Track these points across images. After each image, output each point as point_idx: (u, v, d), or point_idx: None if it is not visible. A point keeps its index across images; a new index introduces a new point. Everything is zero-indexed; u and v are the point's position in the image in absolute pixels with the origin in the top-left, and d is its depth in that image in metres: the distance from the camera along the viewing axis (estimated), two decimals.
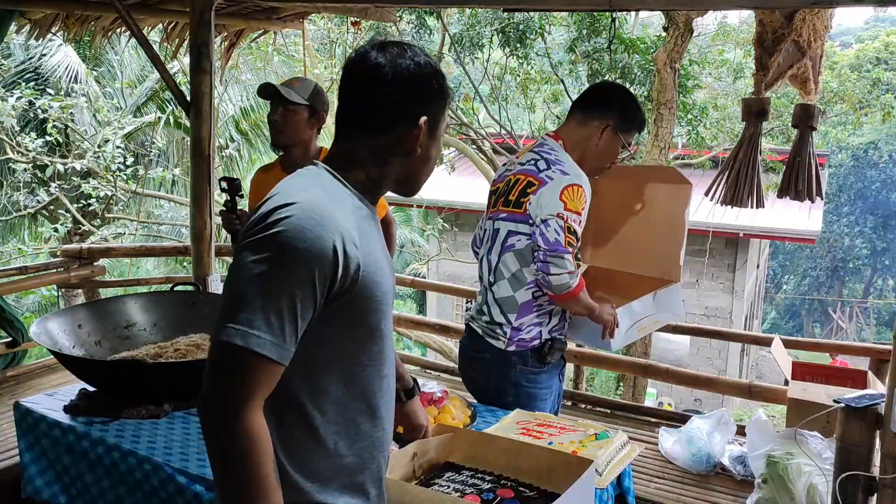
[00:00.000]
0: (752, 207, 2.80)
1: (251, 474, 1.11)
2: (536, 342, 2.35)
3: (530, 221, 2.25)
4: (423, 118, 1.29)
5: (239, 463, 1.11)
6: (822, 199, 2.78)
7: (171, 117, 9.32)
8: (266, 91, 2.67)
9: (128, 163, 8.44)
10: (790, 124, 2.97)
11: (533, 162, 2.34)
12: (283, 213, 1.16)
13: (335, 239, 1.16)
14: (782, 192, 2.78)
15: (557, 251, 2.18)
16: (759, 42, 2.84)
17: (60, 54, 8.86)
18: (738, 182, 2.80)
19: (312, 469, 1.25)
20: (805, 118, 2.74)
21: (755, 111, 2.82)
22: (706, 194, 2.91)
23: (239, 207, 2.66)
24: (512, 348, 2.34)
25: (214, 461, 1.14)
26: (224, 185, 2.61)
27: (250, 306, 1.12)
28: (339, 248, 1.16)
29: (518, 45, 8.29)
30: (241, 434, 1.11)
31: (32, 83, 8.61)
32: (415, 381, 1.78)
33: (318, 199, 1.20)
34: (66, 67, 8.80)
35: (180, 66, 7.55)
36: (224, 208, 2.64)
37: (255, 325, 1.11)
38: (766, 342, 3.95)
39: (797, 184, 2.73)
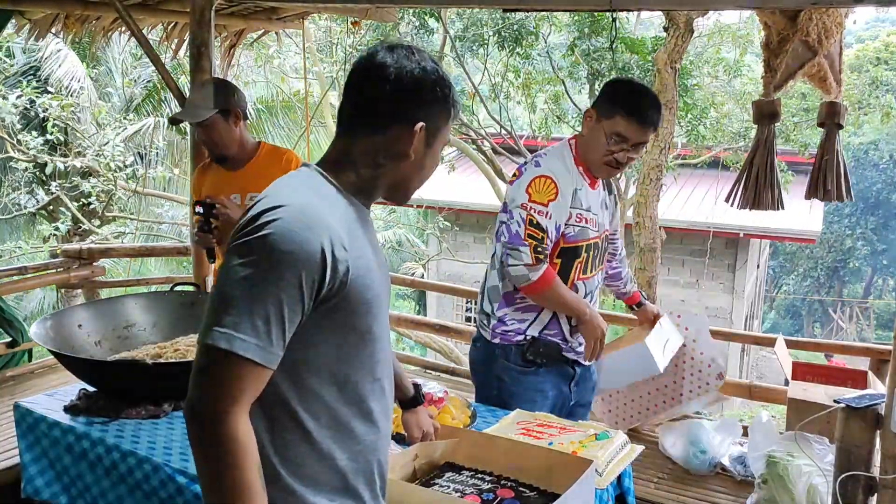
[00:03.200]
0: (774, 210, 2.78)
1: (236, 479, 1.10)
2: (520, 338, 2.34)
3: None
4: (421, 124, 1.27)
5: (223, 467, 1.10)
6: (850, 199, 2.74)
7: (166, 118, 9.33)
8: (176, 122, 2.75)
9: (128, 162, 8.45)
10: (815, 123, 2.97)
11: (531, 156, 2.41)
12: (272, 215, 1.15)
13: (323, 241, 1.15)
14: (810, 193, 2.75)
15: (514, 243, 2.21)
16: (766, 45, 2.82)
17: (61, 57, 8.86)
18: (758, 185, 2.78)
19: (306, 472, 1.24)
20: (831, 116, 2.72)
21: (766, 114, 2.80)
22: (726, 200, 2.89)
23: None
24: (496, 340, 2.36)
25: (199, 465, 1.13)
26: (200, 209, 2.58)
27: (236, 309, 1.11)
28: (327, 251, 1.15)
29: (515, 45, 8.29)
30: (225, 439, 1.10)
31: (33, 82, 8.61)
32: (417, 390, 1.77)
33: (307, 201, 1.19)
34: (66, 71, 8.80)
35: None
36: (199, 229, 2.61)
37: (241, 329, 1.11)
38: (767, 342, 3.95)
39: (826, 183, 2.70)
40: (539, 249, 2.21)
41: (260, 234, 1.14)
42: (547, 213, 2.20)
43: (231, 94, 2.72)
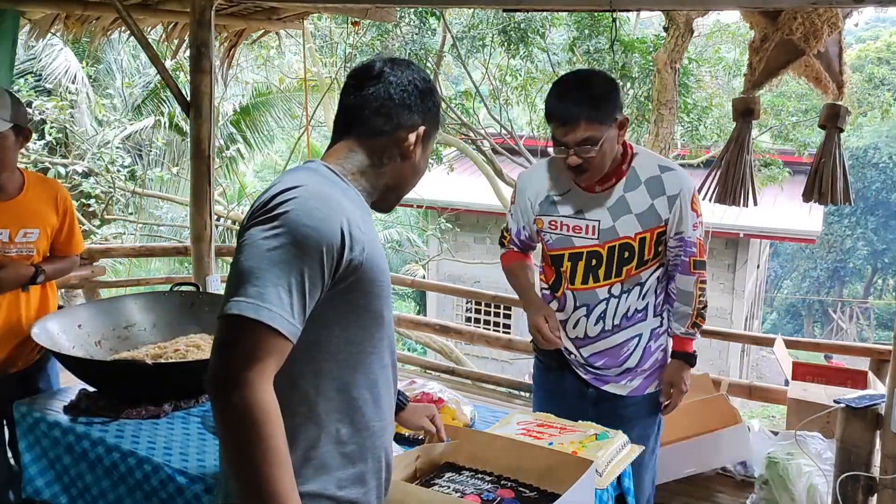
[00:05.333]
0: (743, 205, 2.82)
1: (265, 447, 1.10)
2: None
3: None
4: (422, 128, 1.37)
5: (252, 435, 1.10)
6: (850, 203, 2.75)
7: (167, 119, 9.33)
8: None
9: (126, 163, 8.44)
10: (813, 123, 3.00)
11: None
12: (289, 195, 1.18)
13: (342, 221, 1.19)
14: (806, 196, 2.77)
15: None
16: (751, 44, 2.86)
17: (60, 57, 8.84)
18: (727, 180, 2.83)
19: (315, 457, 1.25)
20: (831, 118, 2.69)
21: (741, 110, 2.83)
22: (699, 191, 2.92)
23: None
24: None
25: (226, 436, 1.13)
26: None
27: (261, 280, 1.12)
28: (345, 229, 1.19)
29: (520, 45, 8.29)
30: (254, 406, 1.09)
31: (30, 80, 8.60)
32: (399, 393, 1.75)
33: (322, 185, 1.24)
34: (66, 70, 8.78)
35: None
36: None
37: (267, 299, 1.11)
38: (767, 342, 3.96)
39: (820, 186, 2.70)
40: (501, 236, 2.42)
41: (280, 211, 1.16)
42: (510, 212, 2.35)
43: (25, 111, 2.38)
